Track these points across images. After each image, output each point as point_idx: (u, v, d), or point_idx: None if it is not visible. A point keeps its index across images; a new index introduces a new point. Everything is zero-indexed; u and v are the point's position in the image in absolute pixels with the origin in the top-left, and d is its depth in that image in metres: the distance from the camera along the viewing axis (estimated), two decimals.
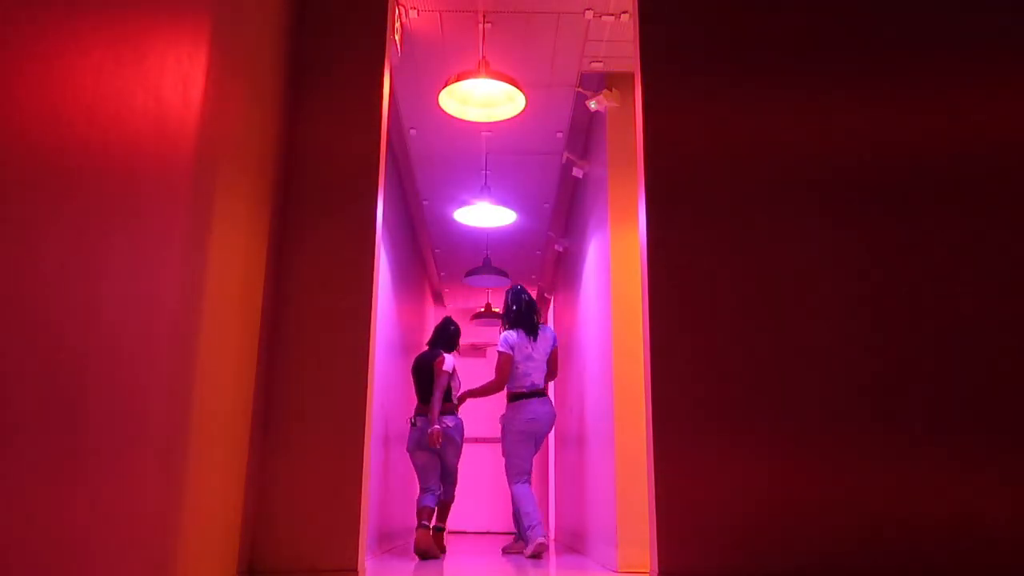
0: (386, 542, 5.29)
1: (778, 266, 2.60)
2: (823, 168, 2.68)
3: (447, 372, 5.05)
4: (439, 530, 4.99)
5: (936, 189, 2.64)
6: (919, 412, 2.47)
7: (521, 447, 4.85)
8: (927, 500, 2.41)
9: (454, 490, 5.14)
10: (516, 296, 5.06)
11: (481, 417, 7.92)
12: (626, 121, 4.29)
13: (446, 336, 5.35)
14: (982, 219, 2.60)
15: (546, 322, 5.25)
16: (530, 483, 4.90)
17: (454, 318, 5.52)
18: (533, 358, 4.91)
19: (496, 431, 5.71)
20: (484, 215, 5.33)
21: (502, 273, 6.68)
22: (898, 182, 2.65)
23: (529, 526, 4.65)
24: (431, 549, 4.64)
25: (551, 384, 5.10)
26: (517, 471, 4.84)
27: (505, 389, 4.94)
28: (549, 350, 4.99)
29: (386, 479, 5.31)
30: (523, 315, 4.98)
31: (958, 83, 2.71)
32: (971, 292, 2.55)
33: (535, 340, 4.95)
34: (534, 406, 4.85)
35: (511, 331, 4.98)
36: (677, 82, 2.77)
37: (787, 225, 2.64)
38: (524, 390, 4.86)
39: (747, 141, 2.71)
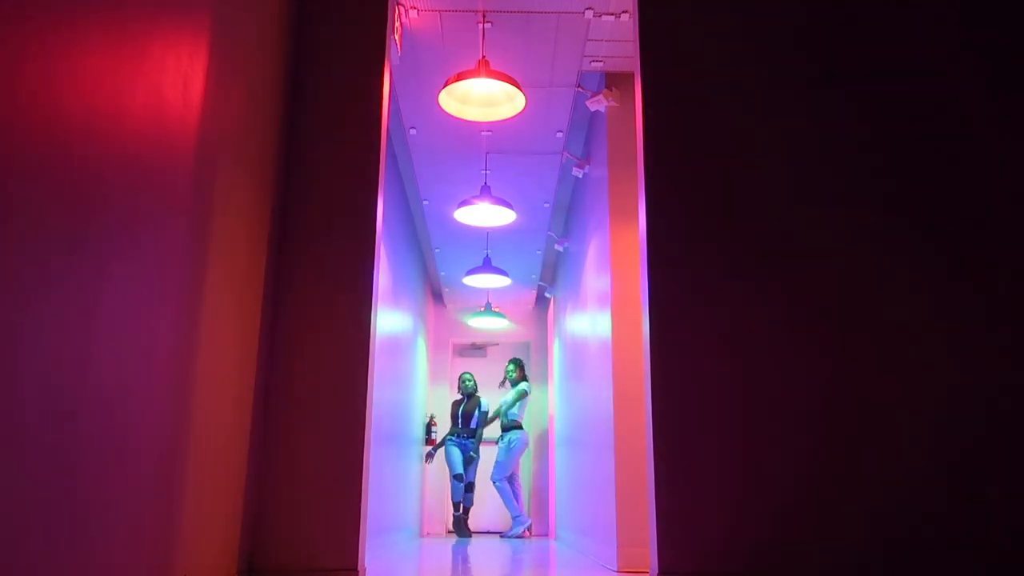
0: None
1: (780, 265, 2.60)
2: (825, 166, 2.68)
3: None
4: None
5: (935, 185, 2.64)
6: (926, 410, 2.48)
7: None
8: (929, 499, 2.41)
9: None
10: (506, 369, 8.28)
11: None
12: (626, 121, 4.29)
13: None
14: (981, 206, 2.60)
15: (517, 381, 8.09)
16: (500, 481, 7.67)
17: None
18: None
19: None
20: (484, 215, 5.33)
21: (502, 273, 6.68)
22: (903, 178, 2.66)
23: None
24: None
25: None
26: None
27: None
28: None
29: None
30: (511, 381, 8.14)
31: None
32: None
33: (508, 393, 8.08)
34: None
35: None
36: (677, 81, 2.77)
37: (789, 223, 2.64)
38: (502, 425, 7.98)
39: (747, 140, 2.72)
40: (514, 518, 7.65)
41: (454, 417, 8.21)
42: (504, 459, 7.70)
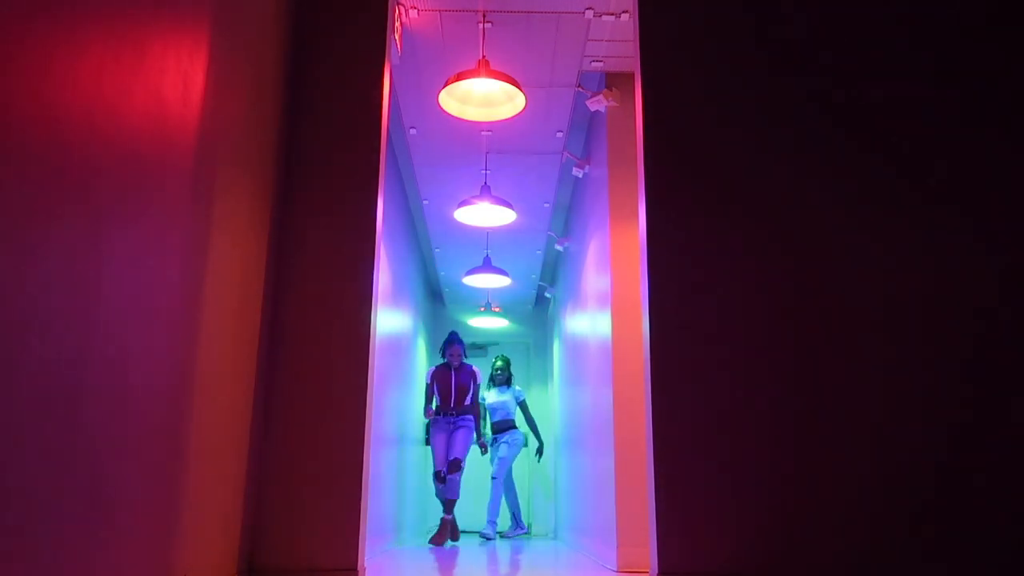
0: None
1: (779, 264, 2.60)
2: (825, 166, 2.68)
3: (427, 382, 6.45)
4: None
5: (940, 181, 2.64)
6: (929, 411, 2.48)
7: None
8: (930, 500, 2.42)
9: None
10: (494, 365, 7.63)
11: None
12: (626, 121, 4.29)
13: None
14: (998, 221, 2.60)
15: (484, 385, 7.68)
16: (494, 480, 7.19)
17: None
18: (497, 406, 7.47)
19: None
20: (484, 215, 5.33)
21: (502, 273, 6.69)
22: (903, 177, 2.66)
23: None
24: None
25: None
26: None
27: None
28: (511, 402, 7.47)
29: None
30: (497, 378, 7.53)
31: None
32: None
33: (503, 394, 7.48)
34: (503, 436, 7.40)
35: (490, 388, 7.58)
36: (677, 81, 2.77)
37: (789, 223, 2.64)
38: (496, 425, 7.41)
39: (747, 140, 2.72)
40: (490, 522, 6.99)
41: (442, 392, 6.30)
42: (506, 454, 7.12)
